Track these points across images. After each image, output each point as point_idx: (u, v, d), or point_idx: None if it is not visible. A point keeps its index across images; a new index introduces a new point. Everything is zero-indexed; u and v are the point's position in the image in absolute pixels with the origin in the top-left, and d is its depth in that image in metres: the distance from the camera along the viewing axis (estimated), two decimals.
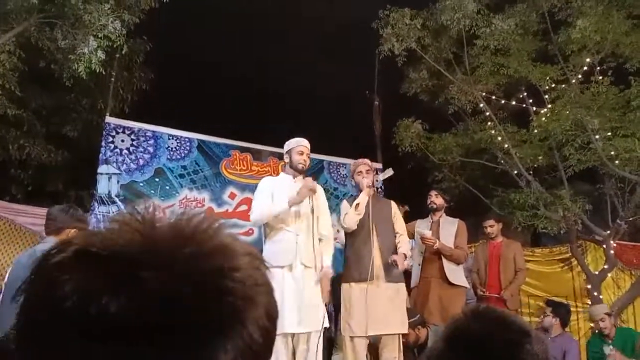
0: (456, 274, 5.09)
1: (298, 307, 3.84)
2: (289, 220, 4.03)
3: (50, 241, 3.34)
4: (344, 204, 4.56)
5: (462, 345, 1.10)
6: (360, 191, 4.43)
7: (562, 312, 5.34)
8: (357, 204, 4.33)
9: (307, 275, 3.98)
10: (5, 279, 3.47)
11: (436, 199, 5.34)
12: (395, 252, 4.39)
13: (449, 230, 5.22)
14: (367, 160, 4.65)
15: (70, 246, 0.46)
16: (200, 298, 0.43)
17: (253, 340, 0.45)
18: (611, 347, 4.92)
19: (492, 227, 5.78)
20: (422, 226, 5.26)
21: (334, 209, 7.43)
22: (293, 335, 3.86)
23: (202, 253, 0.45)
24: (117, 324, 0.41)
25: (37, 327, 0.44)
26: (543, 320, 5.29)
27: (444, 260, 5.06)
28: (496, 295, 5.51)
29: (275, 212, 3.95)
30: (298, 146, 4.20)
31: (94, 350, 0.41)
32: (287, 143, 4.29)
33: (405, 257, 4.37)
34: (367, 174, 4.48)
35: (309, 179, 4.10)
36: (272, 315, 0.48)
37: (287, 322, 3.77)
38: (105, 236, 0.46)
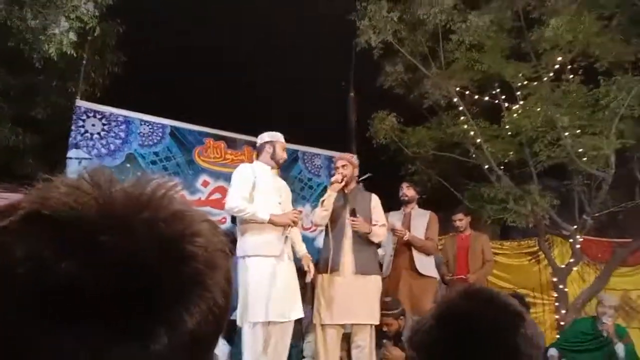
0: (426, 265, 5.16)
1: (281, 297, 3.87)
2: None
3: None
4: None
5: (451, 324, 1.05)
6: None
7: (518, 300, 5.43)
8: (323, 201, 4.40)
9: (290, 265, 4.04)
10: None
11: (407, 190, 5.40)
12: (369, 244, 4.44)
13: (420, 222, 5.29)
14: (346, 155, 4.70)
15: (18, 209, 0.43)
16: (163, 263, 0.42)
17: (216, 304, 0.44)
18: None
19: (461, 220, 5.87)
20: (394, 218, 5.32)
21: (308, 199, 7.45)
22: (269, 323, 3.87)
23: (161, 218, 0.44)
24: (76, 292, 0.39)
25: None
26: None
27: (414, 252, 5.13)
28: (462, 277, 5.60)
29: (253, 217, 3.95)
30: (283, 141, 4.31)
31: (50, 320, 0.39)
32: (271, 134, 4.33)
33: (370, 231, 4.36)
34: (343, 168, 4.52)
35: (299, 215, 4.19)
36: (230, 279, 0.47)
37: (274, 311, 3.81)
38: (57, 200, 0.43)
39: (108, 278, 0.40)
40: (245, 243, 3.98)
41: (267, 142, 4.28)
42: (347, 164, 4.57)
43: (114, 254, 0.40)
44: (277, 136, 4.35)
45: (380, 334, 4.47)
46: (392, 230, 5.10)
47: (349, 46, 7.65)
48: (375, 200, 4.66)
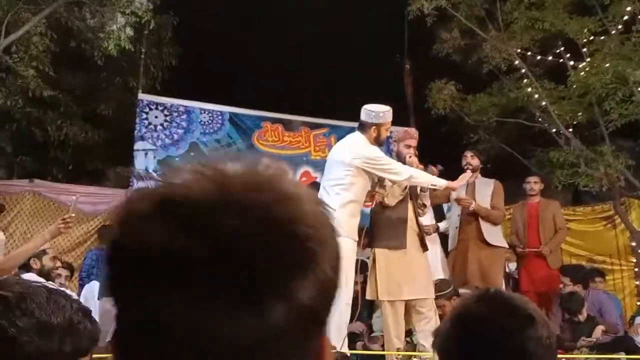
0: (494, 234, 5.04)
1: None
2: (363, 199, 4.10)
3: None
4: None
5: (465, 327, 1.12)
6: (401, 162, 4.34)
7: (579, 275, 5.21)
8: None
9: None
10: None
11: (472, 160, 5.24)
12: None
13: (485, 191, 5.15)
14: (416, 134, 4.60)
15: (152, 196, 0.48)
16: (279, 242, 0.46)
17: (327, 279, 0.48)
18: None
19: (537, 183, 5.67)
20: (459, 190, 5.19)
21: None
22: None
23: (277, 200, 0.47)
24: (205, 272, 0.44)
25: (126, 276, 0.47)
26: (565, 291, 5.09)
27: (481, 222, 5.01)
28: (535, 249, 5.43)
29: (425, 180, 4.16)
30: (389, 123, 4.15)
31: (181, 296, 0.44)
32: (378, 114, 4.10)
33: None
34: (414, 149, 4.45)
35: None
36: (339, 254, 0.51)
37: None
38: (182, 186, 0.48)
39: (230, 258, 0.44)
40: None
41: (373, 125, 4.06)
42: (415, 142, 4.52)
43: (236, 236, 0.45)
44: (384, 117, 4.11)
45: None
46: (457, 200, 4.99)
47: (401, 16, 7.47)
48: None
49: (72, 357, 0.80)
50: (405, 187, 4.32)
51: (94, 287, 4.53)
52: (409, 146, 4.47)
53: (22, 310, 0.81)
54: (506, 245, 5.26)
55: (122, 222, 0.48)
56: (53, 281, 4.61)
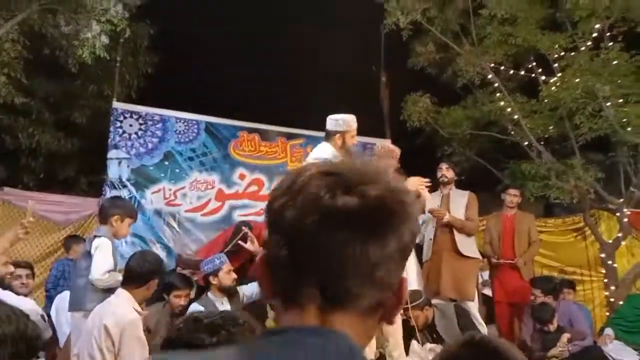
0: (468, 246, 5.09)
1: None
2: None
3: (102, 230, 3.87)
4: None
5: None
6: None
7: (549, 287, 5.30)
8: None
9: None
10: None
11: (447, 172, 5.31)
12: None
13: (459, 202, 5.21)
14: (397, 153, 4.63)
15: (314, 168, 0.77)
16: (396, 204, 0.74)
17: (413, 232, 0.76)
18: None
19: (516, 196, 5.77)
20: (432, 200, 5.24)
21: None
22: None
23: (392, 180, 0.76)
24: (349, 214, 0.71)
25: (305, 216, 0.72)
26: (536, 302, 5.16)
27: (456, 233, 5.06)
28: (510, 261, 5.51)
29: None
30: (353, 130, 4.16)
31: (334, 232, 0.71)
32: (340, 122, 4.17)
33: None
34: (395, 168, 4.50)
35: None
36: (416, 221, 0.79)
37: None
38: (330, 164, 0.78)
39: (371, 210, 0.72)
40: None
41: (337, 133, 4.13)
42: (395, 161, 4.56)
43: (375, 197, 0.73)
44: (349, 124, 4.17)
45: (407, 327, 4.39)
46: (431, 211, 5.04)
47: (377, 30, 7.55)
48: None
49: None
50: None
51: (64, 298, 4.43)
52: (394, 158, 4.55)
53: None
54: (479, 257, 5.32)
55: (301, 180, 0.74)
56: (11, 286, 4.49)
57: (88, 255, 3.79)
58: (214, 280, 4.32)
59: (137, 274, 3.33)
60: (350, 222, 0.70)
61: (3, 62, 5.49)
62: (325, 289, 0.71)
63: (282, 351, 0.68)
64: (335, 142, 4.13)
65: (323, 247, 0.70)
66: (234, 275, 4.39)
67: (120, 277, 3.61)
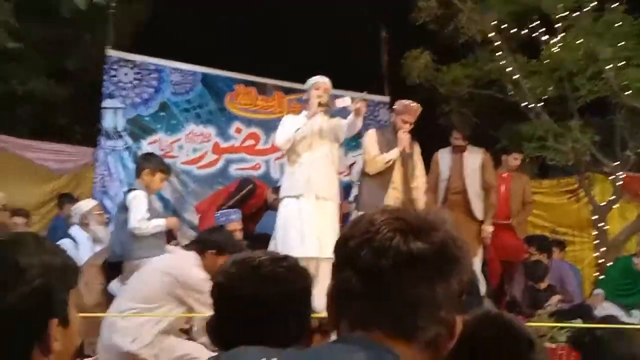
0: (482, 209, 5.24)
1: (301, 233, 3.99)
2: (303, 154, 4.13)
3: (136, 184, 4.31)
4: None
5: (468, 349, 1.15)
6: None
7: (545, 244, 5.39)
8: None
9: (318, 205, 4.09)
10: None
11: (457, 140, 5.32)
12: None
13: (473, 164, 5.24)
14: (417, 111, 4.68)
15: (386, 214, 0.87)
16: (459, 249, 0.85)
17: (463, 284, 0.85)
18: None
19: (517, 159, 5.79)
20: (444, 159, 5.27)
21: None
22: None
23: (449, 227, 0.86)
24: (421, 259, 0.81)
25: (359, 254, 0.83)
26: (530, 260, 5.26)
27: (470, 198, 5.22)
28: (505, 222, 5.58)
29: (295, 132, 4.18)
30: (315, 83, 4.34)
31: (407, 272, 0.81)
32: (308, 81, 4.44)
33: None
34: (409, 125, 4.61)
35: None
36: (470, 271, 0.89)
37: (288, 246, 3.94)
38: (398, 210, 0.89)
39: (438, 255, 0.82)
40: None
41: (306, 92, 4.45)
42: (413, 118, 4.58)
43: (441, 243, 0.83)
44: (309, 83, 4.42)
45: None
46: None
47: None
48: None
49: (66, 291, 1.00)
50: (389, 160, 4.45)
51: (65, 244, 4.47)
52: (405, 121, 4.56)
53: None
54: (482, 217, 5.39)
55: (367, 226, 0.85)
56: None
57: (124, 208, 4.10)
58: None
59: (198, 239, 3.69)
60: (421, 264, 0.81)
61: None
62: (396, 321, 0.81)
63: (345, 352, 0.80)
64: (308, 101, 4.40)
65: (397, 285, 0.80)
66: (239, 234, 4.57)
67: (157, 223, 4.12)
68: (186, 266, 3.36)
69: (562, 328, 3.91)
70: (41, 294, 0.94)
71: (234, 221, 4.69)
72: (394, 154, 4.50)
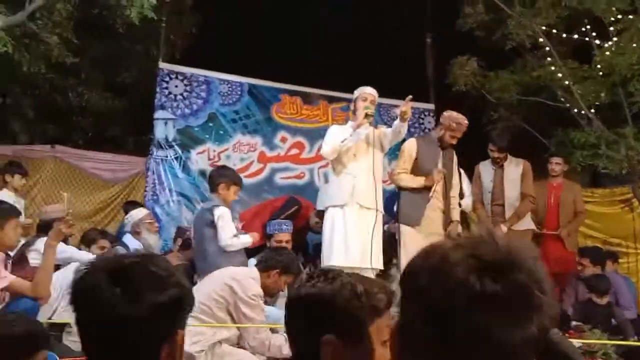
0: (522, 221, 5.12)
1: (346, 243, 4.03)
2: (349, 164, 4.18)
3: (216, 199, 4.33)
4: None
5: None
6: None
7: (598, 256, 5.20)
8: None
9: (361, 215, 4.11)
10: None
11: (495, 153, 5.26)
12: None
13: (514, 176, 5.19)
14: (465, 126, 4.64)
15: (460, 249, 0.79)
16: (542, 292, 0.77)
17: (545, 329, 0.78)
18: None
19: (559, 164, 5.65)
20: (485, 171, 5.24)
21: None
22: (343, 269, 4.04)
23: (533, 265, 0.79)
24: (497, 301, 0.75)
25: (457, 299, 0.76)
26: (584, 273, 5.07)
27: (506, 208, 5.10)
28: (553, 233, 5.44)
29: (342, 142, 4.20)
30: (361, 93, 4.37)
31: (481, 315, 0.74)
32: (354, 93, 4.49)
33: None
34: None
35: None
36: (551, 319, 0.80)
37: (333, 256, 3.97)
38: (475, 243, 0.81)
39: (517, 297, 0.75)
40: None
41: (352, 102, 4.49)
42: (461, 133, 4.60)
43: (521, 284, 0.76)
44: (355, 92, 4.47)
45: None
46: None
47: None
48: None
49: None
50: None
51: (118, 251, 4.64)
52: (453, 137, 4.55)
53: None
54: (533, 227, 5.30)
55: (442, 268, 0.78)
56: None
57: (211, 224, 4.20)
58: (268, 242, 4.74)
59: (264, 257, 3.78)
60: (496, 307, 0.75)
61: (55, 22, 5.60)
62: None
63: None
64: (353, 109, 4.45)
65: (470, 327, 0.75)
66: (288, 245, 4.69)
67: (246, 240, 4.32)
68: (247, 279, 3.47)
69: (615, 344, 3.78)
70: (175, 304, 1.02)
71: (285, 231, 4.80)
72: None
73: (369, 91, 4.37)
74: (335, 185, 4.34)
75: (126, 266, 1.03)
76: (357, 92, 4.42)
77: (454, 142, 4.61)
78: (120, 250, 4.63)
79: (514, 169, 5.23)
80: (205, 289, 3.48)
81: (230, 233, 4.19)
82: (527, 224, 5.22)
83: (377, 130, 4.40)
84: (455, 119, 4.56)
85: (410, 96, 4.29)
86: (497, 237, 0.81)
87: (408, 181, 4.47)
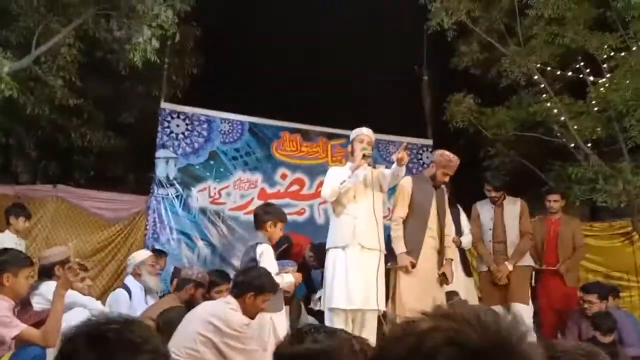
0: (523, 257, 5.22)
1: (347, 286, 4.01)
2: (348, 205, 4.19)
3: (260, 236, 4.25)
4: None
5: None
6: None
7: (605, 291, 5.17)
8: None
9: (363, 256, 4.11)
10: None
11: (492, 192, 5.34)
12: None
13: (512, 214, 5.27)
14: (456, 164, 4.69)
15: (443, 332, 0.68)
16: None
17: None
18: None
19: (557, 202, 5.68)
20: (484, 211, 5.30)
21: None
22: (346, 311, 4.02)
23: (528, 348, 0.69)
24: None
25: None
26: (589, 310, 5.04)
27: (508, 246, 5.21)
28: (552, 268, 5.45)
29: (341, 184, 4.19)
30: (358, 135, 4.39)
31: None
32: (351, 133, 4.51)
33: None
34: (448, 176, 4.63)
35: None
36: None
37: (335, 297, 3.95)
38: (464, 334, 0.68)
39: None
40: None
41: (349, 144, 4.49)
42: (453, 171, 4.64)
43: None
44: (353, 133, 4.49)
45: None
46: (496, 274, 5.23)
47: (420, 30, 7.51)
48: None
49: None
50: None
51: (117, 294, 4.63)
52: (446, 174, 4.60)
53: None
54: (532, 263, 5.34)
55: (414, 350, 0.69)
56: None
57: (253, 261, 4.11)
58: None
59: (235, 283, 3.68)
60: None
61: (59, 66, 5.73)
62: None
63: None
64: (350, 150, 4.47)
65: None
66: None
67: (290, 280, 4.25)
68: (227, 312, 3.39)
69: None
70: None
71: (285, 270, 4.76)
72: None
73: (365, 132, 4.42)
74: (336, 227, 4.32)
75: (104, 332, 1.10)
76: (353, 134, 4.46)
77: (446, 179, 4.66)
78: (120, 293, 4.64)
79: (512, 207, 5.30)
80: (187, 332, 3.38)
81: (273, 271, 4.04)
82: (527, 260, 5.25)
83: (376, 171, 4.44)
84: (447, 157, 4.63)
85: (405, 143, 4.38)
86: (482, 317, 0.70)
87: (396, 242, 4.49)
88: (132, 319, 1.18)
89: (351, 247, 4.13)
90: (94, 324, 1.13)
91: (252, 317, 3.56)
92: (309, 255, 5.53)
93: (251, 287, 3.47)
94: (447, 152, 4.65)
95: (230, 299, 3.50)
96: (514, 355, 0.67)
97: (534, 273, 5.47)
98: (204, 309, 3.56)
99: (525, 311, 4.92)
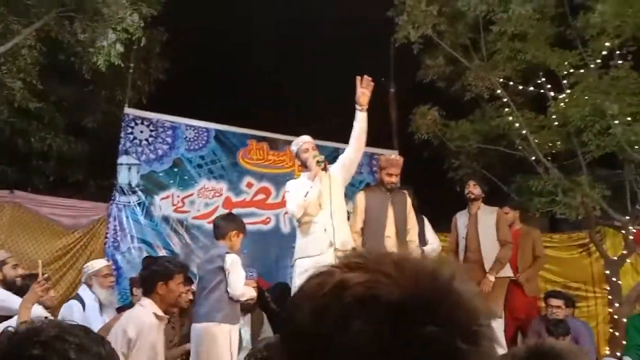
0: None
1: None
2: (317, 215, 4.18)
3: (221, 245, 4.16)
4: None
5: None
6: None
7: (570, 300, 5.32)
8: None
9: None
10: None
11: (474, 188, 5.40)
12: None
13: (488, 222, 5.30)
14: (399, 162, 4.72)
15: (354, 288, 0.56)
16: (466, 339, 0.56)
17: None
18: None
19: (507, 214, 5.79)
20: (461, 219, 5.35)
21: (350, 196, 7.47)
22: None
23: (459, 305, 0.57)
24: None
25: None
26: (555, 315, 5.17)
27: (484, 255, 5.24)
28: (512, 278, 5.55)
29: (305, 197, 4.20)
30: (301, 146, 4.42)
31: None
32: (292, 146, 4.55)
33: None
34: (395, 177, 4.62)
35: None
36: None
37: None
38: (384, 284, 0.56)
39: (425, 347, 0.54)
40: None
41: (295, 157, 4.58)
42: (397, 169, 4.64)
43: (428, 331, 0.54)
44: (296, 144, 4.53)
45: None
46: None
47: (387, 42, 7.60)
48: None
49: None
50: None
51: (70, 306, 4.48)
52: (390, 174, 4.62)
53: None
54: (510, 274, 5.38)
55: (325, 306, 0.56)
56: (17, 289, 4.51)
57: (220, 270, 4.03)
58: None
59: (143, 280, 3.51)
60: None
61: (19, 67, 5.58)
62: None
63: None
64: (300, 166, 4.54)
65: None
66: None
67: (251, 294, 4.22)
68: (136, 315, 3.33)
69: None
70: None
71: (250, 279, 4.66)
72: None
73: (307, 140, 4.45)
74: (308, 239, 4.28)
75: (41, 338, 1.07)
76: (295, 147, 4.46)
77: (394, 180, 4.68)
78: (74, 304, 4.48)
79: (489, 217, 5.35)
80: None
81: (242, 282, 4.06)
82: (505, 271, 5.28)
83: (332, 172, 4.46)
84: (384, 157, 4.83)
85: (360, 78, 4.36)
86: (404, 262, 0.59)
87: None
88: (70, 326, 1.13)
89: (325, 254, 4.12)
90: (32, 332, 1.09)
91: (177, 306, 3.51)
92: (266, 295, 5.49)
93: (157, 276, 3.36)
94: (385, 154, 4.77)
95: (144, 301, 3.38)
96: (437, 313, 0.55)
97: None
98: (122, 319, 3.44)
99: (497, 324, 4.96)
